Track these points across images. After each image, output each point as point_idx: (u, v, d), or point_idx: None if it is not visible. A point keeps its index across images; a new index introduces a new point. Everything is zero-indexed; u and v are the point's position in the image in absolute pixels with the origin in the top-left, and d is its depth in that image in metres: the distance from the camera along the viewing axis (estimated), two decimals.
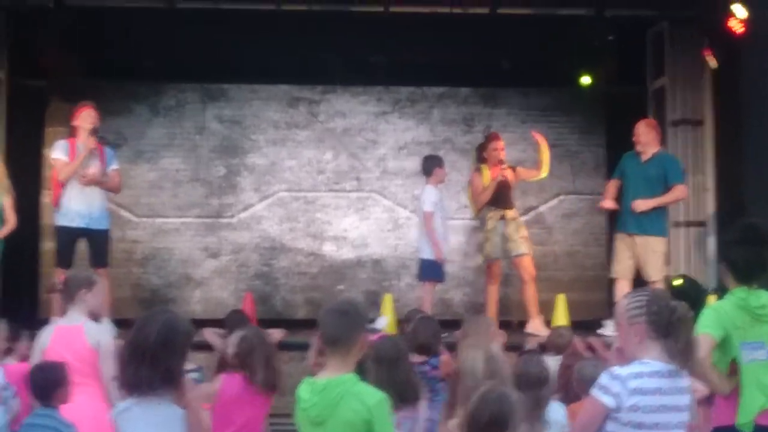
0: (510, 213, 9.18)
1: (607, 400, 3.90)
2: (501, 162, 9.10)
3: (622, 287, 8.64)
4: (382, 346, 4.05)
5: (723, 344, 4.53)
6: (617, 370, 3.98)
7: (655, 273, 8.56)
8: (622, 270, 8.69)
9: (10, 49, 9.94)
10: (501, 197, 9.11)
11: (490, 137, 9.42)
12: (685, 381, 3.98)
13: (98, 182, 8.34)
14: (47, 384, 5.18)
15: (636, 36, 10.42)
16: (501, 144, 9.20)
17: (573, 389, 5.70)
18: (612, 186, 8.87)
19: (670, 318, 3.93)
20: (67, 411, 5.15)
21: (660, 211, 8.66)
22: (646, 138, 8.64)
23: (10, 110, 10.00)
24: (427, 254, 8.80)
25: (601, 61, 10.26)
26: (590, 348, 7.23)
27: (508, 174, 9.06)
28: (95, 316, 6.02)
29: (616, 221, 8.88)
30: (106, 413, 4.41)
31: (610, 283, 8.99)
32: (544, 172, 9.28)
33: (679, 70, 9.92)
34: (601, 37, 9.82)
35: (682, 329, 3.91)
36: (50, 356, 5.50)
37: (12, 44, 9.94)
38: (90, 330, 5.73)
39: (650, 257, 8.56)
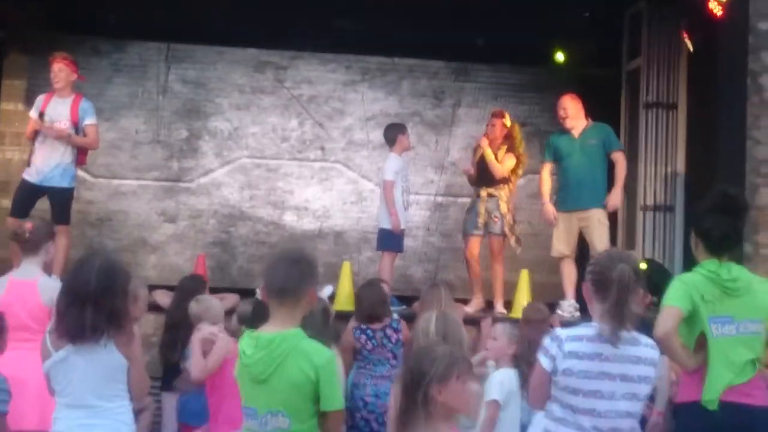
0: (489, 191, 8.84)
1: (545, 363, 3.70)
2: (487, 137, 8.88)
3: (567, 265, 8.50)
4: None
5: (690, 318, 4.32)
6: (558, 331, 3.79)
7: (602, 243, 8.30)
8: (563, 247, 8.53)
9: None
10: (481, 175, 8.88)
11: (491, 113, 9.21)
12: (646, 351, 3.75)
13: (67, 138, 8.02)
14: None
15: (613, 16, 10.18)
16: (494, 121, 8.96)
17: None
18: (546, 171, 8.70)
19: (609, 276, 3.68)
20: (8, 365, 4.80)
21: (601, 183, 8.48)
22: (574, 111, 8.53)
23: None
24: (386, 224, 8.50)
25: (576, 40, 10.06)
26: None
27: (485, 150, 8.78)
28: (47, 271, 5.83)
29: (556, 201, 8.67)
30: None
31: None
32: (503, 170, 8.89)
33: (655, 52, 9.65)
34: (576, 15, 9.60)
35: (617, 290, 3.66)
36: (2, 310, 5.15)
37: None
38: (44, 286, 5.51)
39: (596, 228, 8.36)
